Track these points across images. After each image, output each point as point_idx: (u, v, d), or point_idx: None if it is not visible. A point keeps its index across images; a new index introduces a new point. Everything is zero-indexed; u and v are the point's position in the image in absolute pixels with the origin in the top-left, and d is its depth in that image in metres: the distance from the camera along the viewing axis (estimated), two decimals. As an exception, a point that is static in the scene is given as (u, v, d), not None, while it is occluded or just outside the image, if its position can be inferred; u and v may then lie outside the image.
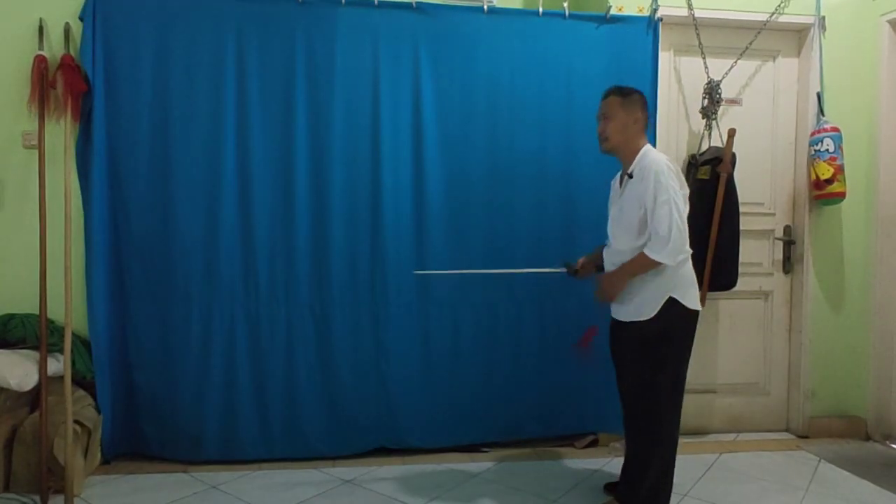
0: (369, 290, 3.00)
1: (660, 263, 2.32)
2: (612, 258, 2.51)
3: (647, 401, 2.41)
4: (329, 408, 2.98)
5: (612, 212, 2.56)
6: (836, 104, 3.37)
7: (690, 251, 2.40)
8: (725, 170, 3.11)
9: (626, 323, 2.45)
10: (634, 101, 2.48)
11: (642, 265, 2.36)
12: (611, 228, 2.56)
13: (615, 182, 2.61)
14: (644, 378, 2.40)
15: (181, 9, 2.83)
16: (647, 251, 2.33)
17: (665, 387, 2.39)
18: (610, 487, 2.69)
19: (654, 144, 3.13)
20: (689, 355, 2.48)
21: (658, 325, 2.36)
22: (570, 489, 2.73)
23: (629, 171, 2.44)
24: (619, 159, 2.52)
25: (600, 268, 2.63)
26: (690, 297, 2.41)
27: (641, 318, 2.39)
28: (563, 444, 3.20)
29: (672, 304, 2.37)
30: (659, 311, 2.36)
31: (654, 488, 2.41)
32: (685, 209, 2.36)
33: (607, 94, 2.52)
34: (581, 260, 2.74)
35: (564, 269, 2.74)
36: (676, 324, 2.41)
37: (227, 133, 2.87)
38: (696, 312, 2.44)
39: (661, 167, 2.33)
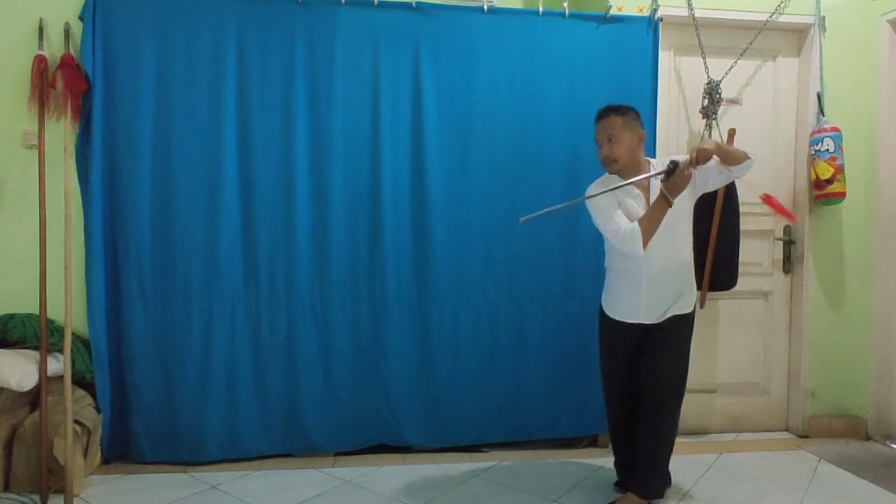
0: (369, 288, 3.00)
1: (749, 160, 2.34)
2: (675, 267, 2.43)
3: (677, 391, 2.52)
4: (329, 407, 2.98)
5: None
6: (837, 104, 3.37)
7: None
8: (725, 170, 3.12)
9: (660, 323, 2.44)
10: (633, 118, 2.46)
11: (743, 155, 2.33)
12: (665, 235, 2.35)
13: (630, 187, 2.39)
14: (681, 370, 2.51)
15: (181, 8, 2.83)
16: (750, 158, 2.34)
17: (687, 372, 2.55)
18: (623, 485, 2.67)
19: (654, 144, 3.15)
20: None
21: (693, 315, 2.52)
22: (570, 489, 2.73)
23: (666, 170, 2.30)
24: (621, 175, 2.44)
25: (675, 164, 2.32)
26: None
27: (685, 312, 2.48)
28: (563, 445, 3.20)
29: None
30: (695, 302, 2.53)
31: (665, 471, 2.59)
32: None
33: (605, 115, 2.45)
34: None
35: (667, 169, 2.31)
36: (696, 311, 2.59)
37: (227, 133, 2.87)
38: None
39: None
